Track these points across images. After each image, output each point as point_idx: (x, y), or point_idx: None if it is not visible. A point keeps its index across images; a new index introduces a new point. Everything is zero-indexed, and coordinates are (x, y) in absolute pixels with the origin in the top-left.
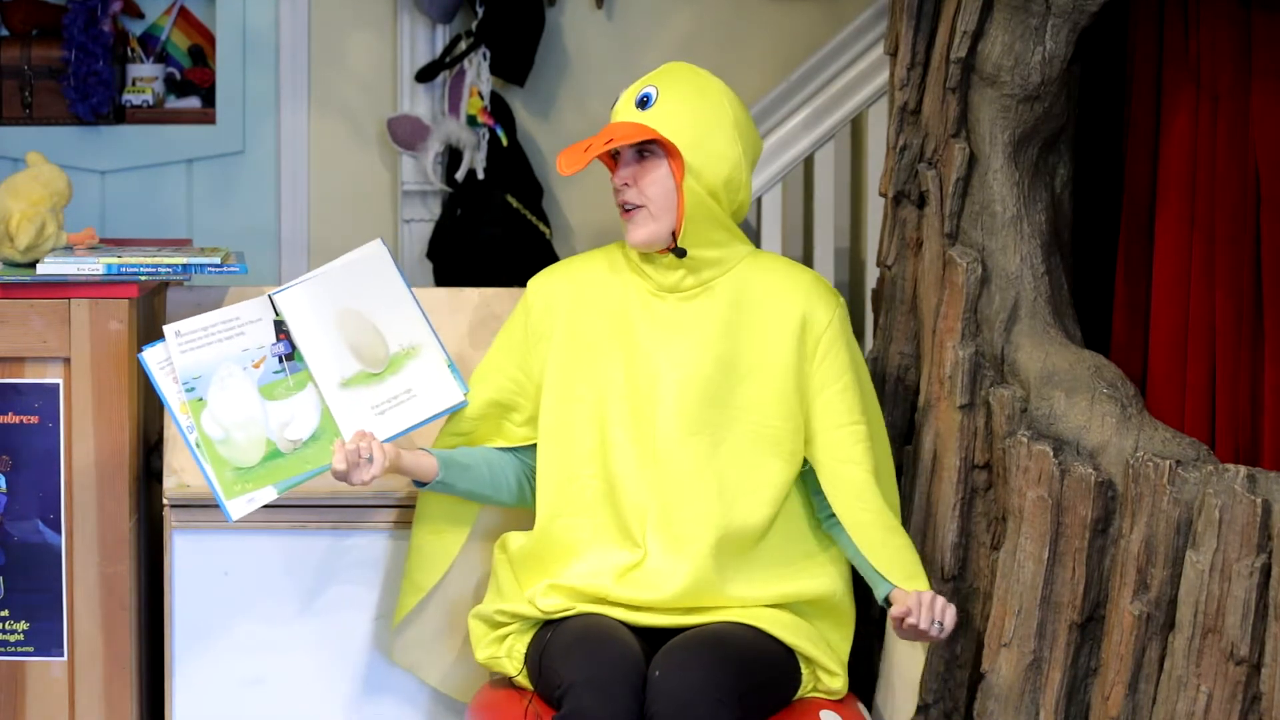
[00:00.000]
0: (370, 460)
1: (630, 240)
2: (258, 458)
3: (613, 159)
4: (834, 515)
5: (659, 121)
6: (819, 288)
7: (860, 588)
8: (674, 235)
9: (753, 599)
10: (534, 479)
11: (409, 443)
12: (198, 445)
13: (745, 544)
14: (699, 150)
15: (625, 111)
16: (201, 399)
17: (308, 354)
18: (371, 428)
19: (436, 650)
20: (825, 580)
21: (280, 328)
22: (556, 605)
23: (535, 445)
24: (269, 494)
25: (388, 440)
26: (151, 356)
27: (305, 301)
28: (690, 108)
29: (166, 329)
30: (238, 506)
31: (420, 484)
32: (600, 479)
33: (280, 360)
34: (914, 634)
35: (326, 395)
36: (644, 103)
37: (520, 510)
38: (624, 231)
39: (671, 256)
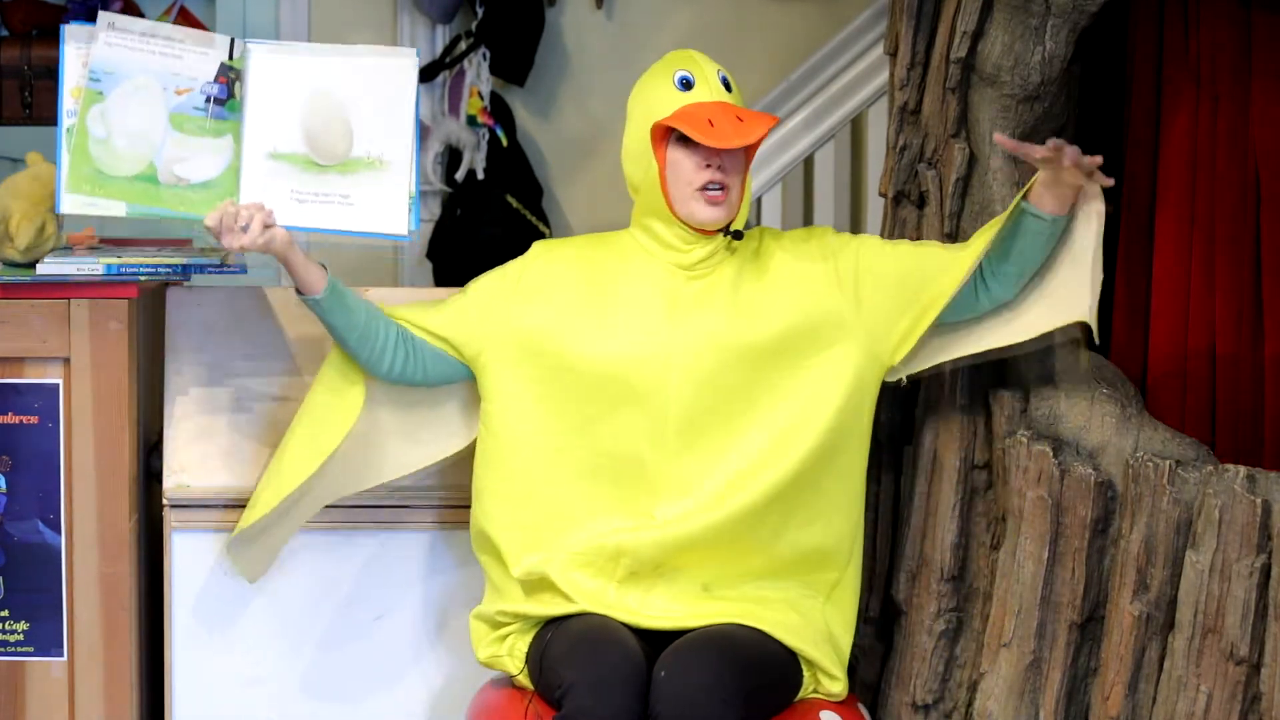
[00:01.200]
0: (245, 229)
1: (706, 217)
2: (129, 173)
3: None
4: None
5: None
6: (814, 228)
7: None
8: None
9: (763, 568)
10: (412, 356)
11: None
12: (68, 131)
13: (781, 494)
14: None
15: (714, 91)
16: (100, 93)
17: (249, 110)
18: (278, 207)
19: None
20: (834, 527)
21: (226, 71)
22: (558, 605)
23: (425, 337)
24: (117, 208)
25: (292, 229)
26: (73, 31)
27: (280, 64)
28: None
29: (101, 15)
30: (75, 202)
31: (298, 293)
32: (596, 451)
33: (208, 100)
34: (1064, 171)
35: (246, 156)
36: (727, 85)
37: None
38: (690, 210)
39: (721, 236)
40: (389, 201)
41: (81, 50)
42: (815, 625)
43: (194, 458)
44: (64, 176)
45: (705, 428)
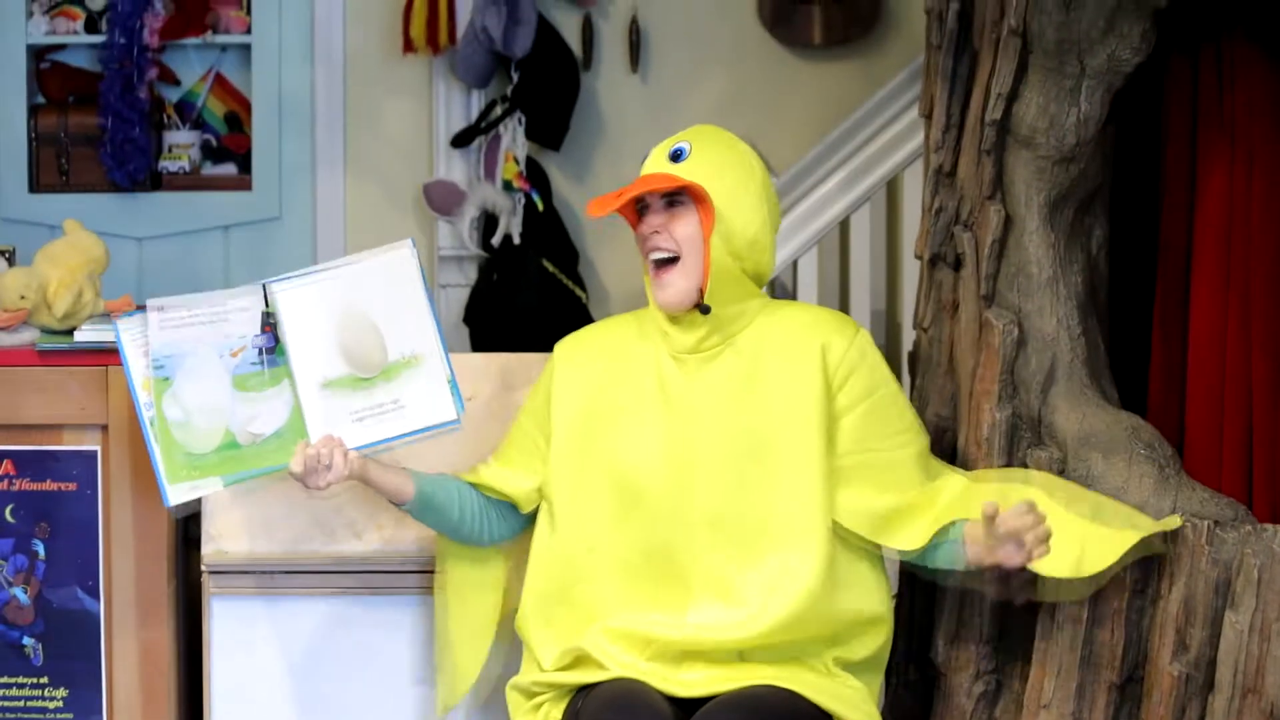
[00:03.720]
0: (329, 467)
1: (659, 300)
2: (213, 446)
3: (638, 214)
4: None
5: (692, 175)
6: (833, 319)
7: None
8: (699, 293)
9: (813, 630)
10: (496, 521)
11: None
12: (151, 423)
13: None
14: (729, 205)
15: (657, 164)
16: (168, 379)
17: (292, 350)
18: (344, 434)
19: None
20: (870, 596)
21: (267, 320)
22: (591, 673)
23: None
24: (215, 484)
25: (360, 449)
26: (125, 326)
27: (303, 298)
28: (721, 165)
29: (149, 303)
30: (179, 492)
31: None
32: (626, 546)
33: (260, 353)
34: (1005, 546)
35: (303, 394)
36: (676, 157)
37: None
38: (650, 294)
39: (696, 314)
40: (433, 393)
41: (139, 340)
42: (851, 686)
43: (232, 524)
44: (161, 470)
45: (731, 521)
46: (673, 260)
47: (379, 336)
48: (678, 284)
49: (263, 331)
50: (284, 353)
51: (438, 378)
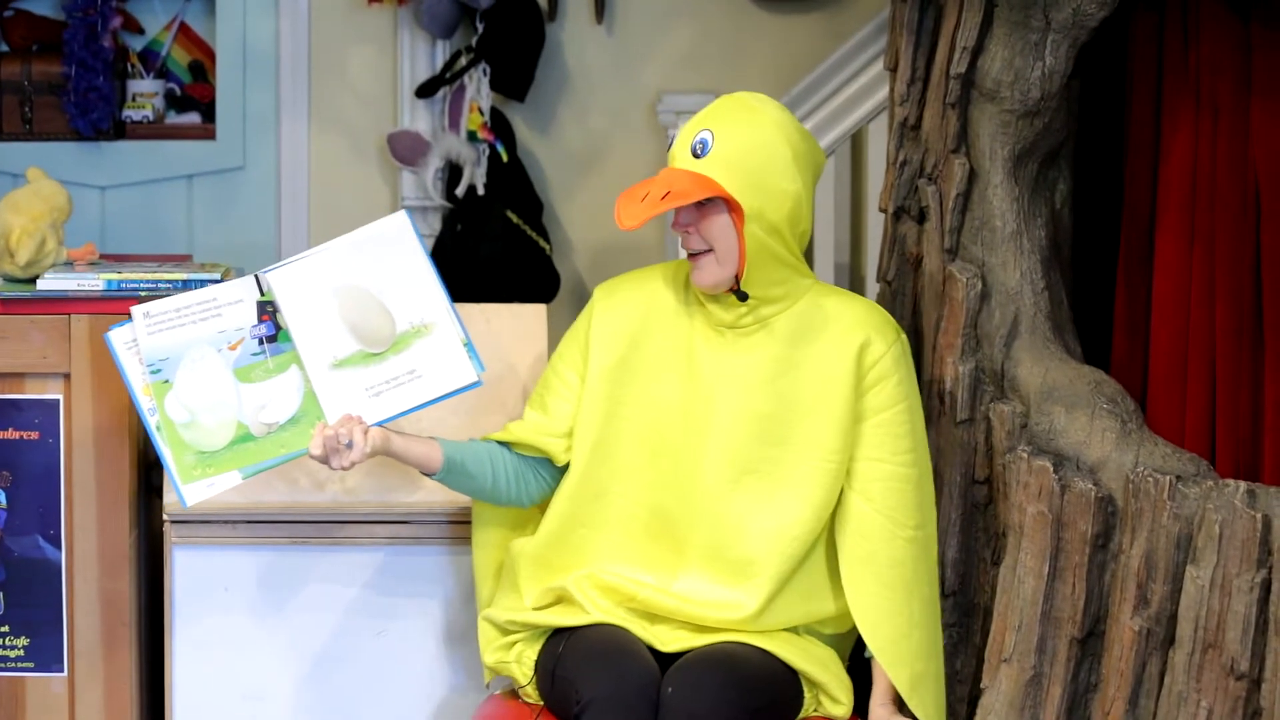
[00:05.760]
0: (349, 446)
1: (696, 281)
2: (225, 441)
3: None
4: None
5: (716, 170)
6: (877, 318)
7: None
8: (736, 278)
9: (783, 622)
10: (532, 479)
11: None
12: (158, 429)
13: (793, 572)
14: (760, 193)
15: (682, 158)
16: (167, 381)
17: (296, 334)
18: (362, 410)
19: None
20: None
21: (264, 309)
22: (572, 616)
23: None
24: (233, 479)
25: (381, 423)
26: (117, 337)
27: (300, 280)
28: (747, 151)
29: (134, 310)
30: (195, 491)
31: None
32: (633, 500)
33: (261, 342)
34: None
35: (314, 377)
36: (699, 150)
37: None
38: (690, 274)
39: (734, 297)
40: (449, 358)
41: (133, 349)
42: (823, 649)
43: None
44: (174, 472)
45: (731, 498)
46: (706, 251)
47: (384, 309)
48: (713, 271)
49: (260, 321)
50: (288, 338)
51: (452, 341)
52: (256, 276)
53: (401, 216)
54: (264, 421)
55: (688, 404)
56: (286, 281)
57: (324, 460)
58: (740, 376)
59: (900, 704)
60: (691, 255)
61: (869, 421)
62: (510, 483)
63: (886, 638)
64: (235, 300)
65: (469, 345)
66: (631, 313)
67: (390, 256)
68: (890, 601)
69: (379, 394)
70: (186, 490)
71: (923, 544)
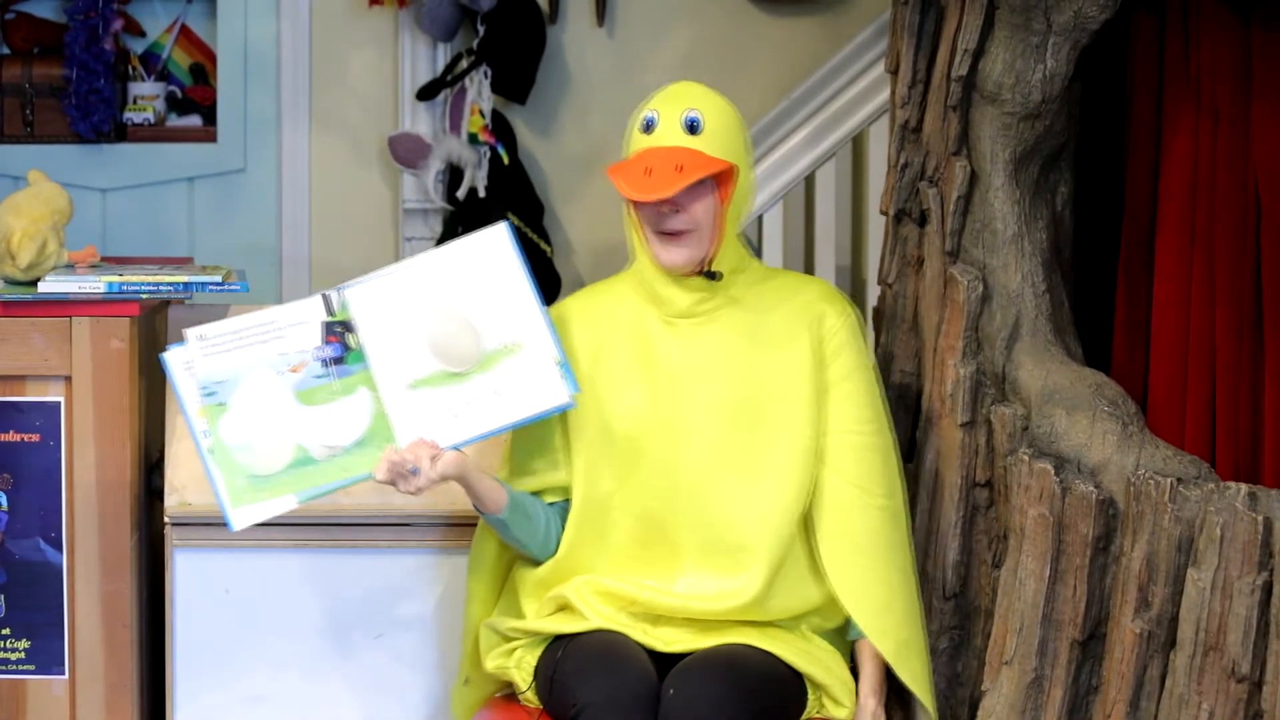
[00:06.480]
0: (415, 472)
1: (665, 260)
2: (281, 465)
3: (645, 175)
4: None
5: (713, 147)
6: (829, 293)
7: None
8: (703, 259)
9: (792, 610)
10: (558, 525)
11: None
12: (210, 451)
13: (788, 552)
14: (746, 172)
15: (672, 135)
16: (223, 404)
17: (372, 353)
18: (441, 432)
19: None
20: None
21: (332, 329)
22: (571, 623)
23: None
24: (288, 503)
25: (461, 445)
26: (174, 358)
27: (380, 296)
28: (733, 134)
29: (188, 332)
30: (244, 515)
31: (478, 509)
32: (624, 511)
33: (326, 364)
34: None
35: (387, 398)
36: (693, 127)
37: None
38: (643, 253)
39: (699, 279)
40: (539, 377)
41: (189, 371)
42: (825, 650)
43: (196, 475)
44: (224, 497)
45: (715, 489)
46: (688, 231)
47: (470, 326)
48: (688, 249)
49: (326, 342)
50: (360, 359)
51: (544, 360)
52: (324, 295)
53: (502, 229)
54: (326, 444)
55: (656, 405)
56: (365, 297)
57: (390, 484)
58: (703, 368)
59: (890, 678)
60: (669, 235)
61: (833, 392)
62: (554, 527)
63: (871, 608)
64: (298, 322)
65: (564, 364)
66: (585, 331)
67: (483, 271)
68: (871, 571)
69: (458, 416)
70: (235, 514)
71: (893, 513)
